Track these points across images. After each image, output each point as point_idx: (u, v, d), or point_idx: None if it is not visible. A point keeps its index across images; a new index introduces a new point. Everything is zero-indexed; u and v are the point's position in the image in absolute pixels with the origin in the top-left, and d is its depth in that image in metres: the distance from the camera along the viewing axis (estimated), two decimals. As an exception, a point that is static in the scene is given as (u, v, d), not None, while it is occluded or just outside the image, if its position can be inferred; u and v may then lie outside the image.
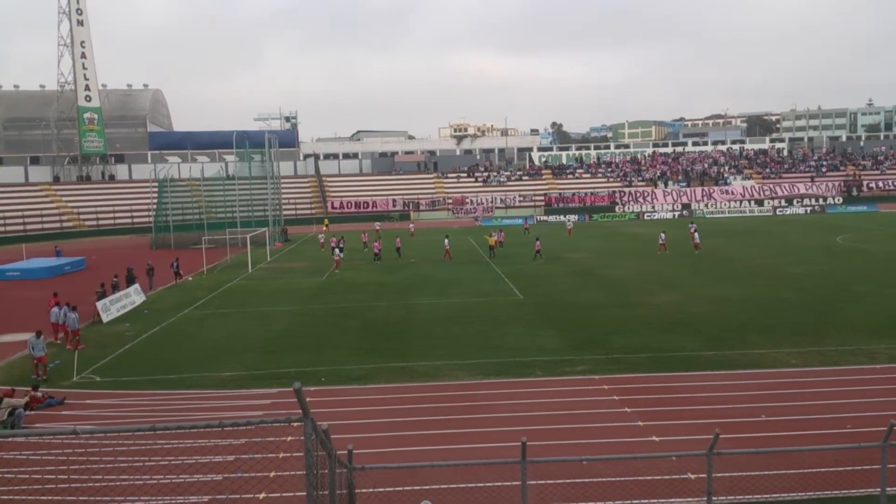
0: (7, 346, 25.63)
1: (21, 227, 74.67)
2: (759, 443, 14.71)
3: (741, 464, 13.47)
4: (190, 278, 42.63)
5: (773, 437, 15.30)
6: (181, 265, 43.06)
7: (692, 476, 13.10)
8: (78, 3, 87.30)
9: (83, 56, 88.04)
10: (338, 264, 45.19)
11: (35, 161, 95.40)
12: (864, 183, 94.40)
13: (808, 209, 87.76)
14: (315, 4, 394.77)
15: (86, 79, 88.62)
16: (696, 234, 49.62)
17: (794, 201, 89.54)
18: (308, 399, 5.46)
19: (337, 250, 46.91)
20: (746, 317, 27.58)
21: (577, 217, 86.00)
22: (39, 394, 19.12)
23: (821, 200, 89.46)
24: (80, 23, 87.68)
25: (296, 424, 5.44)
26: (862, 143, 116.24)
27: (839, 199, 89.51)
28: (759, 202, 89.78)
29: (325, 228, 74.82)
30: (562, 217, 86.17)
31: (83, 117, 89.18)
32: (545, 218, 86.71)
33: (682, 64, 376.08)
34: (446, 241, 49.61)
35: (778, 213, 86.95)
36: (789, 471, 13.18)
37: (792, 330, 25.12)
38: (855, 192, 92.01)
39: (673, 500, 12.46)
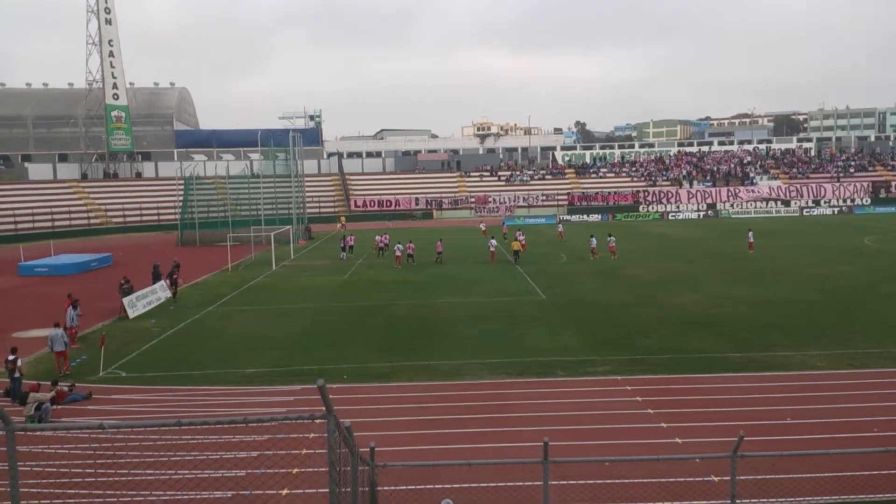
0: (34, 342, 25.99)
1: (49, 224, 75.69)
2: (783, 446, 14.58)
3: (766, 466, 13.34)
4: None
5: (798, 439, 15.15)
6: (181, 271, 38.68)
7: (716, 478, 13.00)
8: (106, 1, 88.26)
9: (111, 55, 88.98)
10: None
11: (63, 158, 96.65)
12: (893, 184, 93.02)
13: (836, 210, 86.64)
14: (331, 3, 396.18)
15: (113, 77, 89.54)
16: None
17: (822, 202, 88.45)
18: (331, 396, 5.50)
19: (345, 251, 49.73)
20: (771, 318, 27.31)
21: (599, 216, 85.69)
22: (66, 388, 19.40)
23: (848, 201, 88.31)
24: (108, 21, 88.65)
25: (319, 421, 5.48)
26: (891, 143, 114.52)
27: (867, 200, 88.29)
28: (786, 202, 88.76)
29: (339, 227, 74.83)
30: (586, 216, 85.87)
31: (111, 115, 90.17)
32: (568, 217, 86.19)
33: (707, 62, 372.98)
34: (492, 242, 49.25)
35: (805, 213, 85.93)
36: (814, 474, 13.04)
37: (817, 332, 24.84)
38: (883, 193, 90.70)
39: (696, 502, 12.38)
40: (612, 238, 48.37)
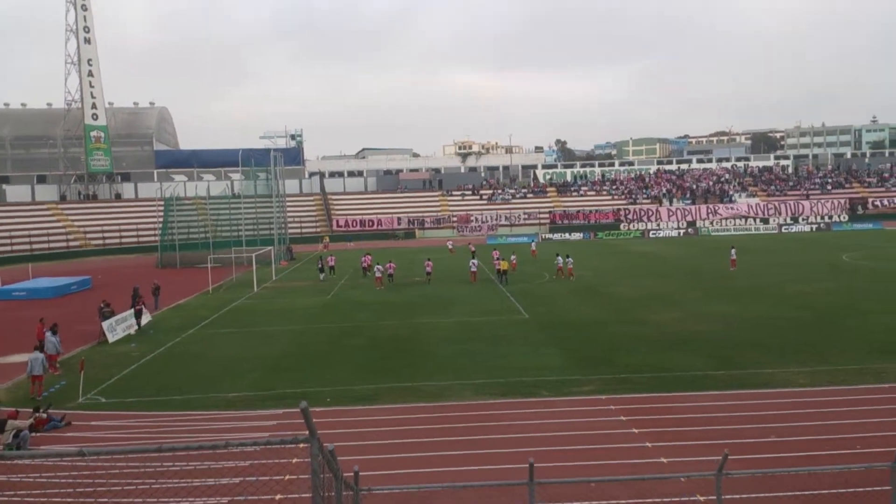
0: (11, 367, 25.60)
1: (27, 247, 74.89)
2: (768, 464, 14.63)
3: (751, 485, 13.36)
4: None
5: (782, 457, 15.20)
6: (161, 294, 40.18)
7: (701, 498, 13.00)
8: (85, 20, 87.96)
9: (90, 74, 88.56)
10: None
11: (41, 180, 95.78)
12: (870, 200, 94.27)
13: (814, 227, 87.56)
14: (313, 22, 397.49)
15: (93, 97, 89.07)
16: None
17: (800, 219, 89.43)
18: (314, 419, 5.44)
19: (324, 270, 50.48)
20: (752, 335, 27.47)
21: (581, 235, 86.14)
22: (44, 415, 19.11)
23: (826, 218, 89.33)
24: (88, 41, 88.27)
25: (302, 445, 5.41)
26: (867, 161, 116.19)
27: (845, 217, 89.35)
28: (765, 220, 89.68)
29: (322, 247, 74.60)
30: (567, 235, 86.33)
31: (90, 135, 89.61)
32: (550, 235, 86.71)
33: (684, 81, 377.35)
34: (474, 262, 47.57)
35: (783, 230, 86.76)
36: (799, 492, 13.07)
37: (798, 348, 25.01)
38: (860, 210, 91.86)
39: (682, 522, 12.35)
40: (570, 259, 47.81)
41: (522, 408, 19.45)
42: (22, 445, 16.96)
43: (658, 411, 18.81)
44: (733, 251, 50.30)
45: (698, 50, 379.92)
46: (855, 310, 32.13)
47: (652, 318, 31.59)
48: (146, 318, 34.57)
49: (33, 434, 17.72)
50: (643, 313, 32.97)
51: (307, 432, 5.37)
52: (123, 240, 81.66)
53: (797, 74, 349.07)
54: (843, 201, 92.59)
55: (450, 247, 70.06)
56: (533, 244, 67.24)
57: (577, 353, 25.54)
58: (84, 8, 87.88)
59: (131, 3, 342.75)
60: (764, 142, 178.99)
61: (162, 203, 71.64)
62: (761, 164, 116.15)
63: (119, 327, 31.44)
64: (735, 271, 47.40)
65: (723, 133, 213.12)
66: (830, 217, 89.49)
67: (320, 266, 52.07)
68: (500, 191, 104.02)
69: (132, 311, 34.24)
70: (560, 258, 47.92)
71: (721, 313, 32.23)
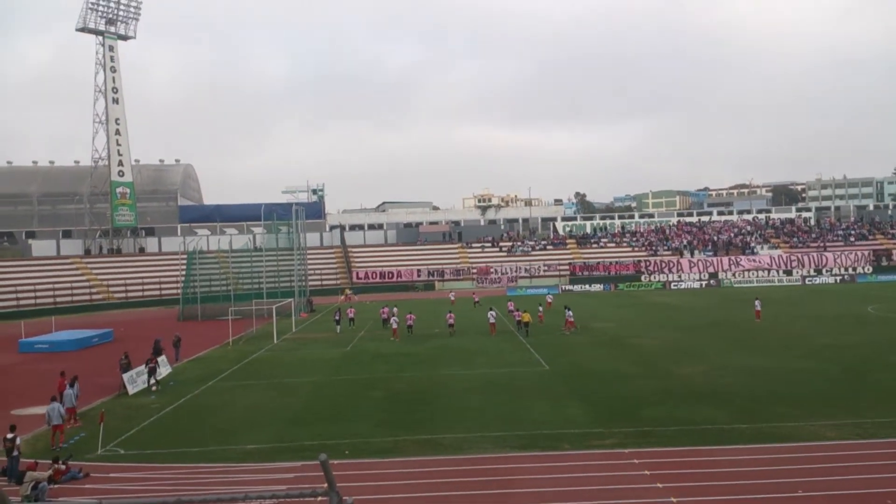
0: (31, 419, 25.66)
1: (52, 300, 75.75)
2: (797, 520, 14.22)
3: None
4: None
5: (811, 513, 14.78)
6: (182, 346, 40.35)
7: (728, 555, 12.63)
8: (114, 81, 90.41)
9: (117, 133, 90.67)
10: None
11: (67, 234, 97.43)
12: (894, 252, 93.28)
13: (838, 278, 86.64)
14: (332, 78, 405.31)
15: (119, 154, 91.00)
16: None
17: (824, 270, 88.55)
18: (333, 472, 5.39)
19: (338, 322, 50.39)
20: (777, 388, 26.99)
21: (602, 286, 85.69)
22: (63, 466, 19.07)
23: (850, 269, 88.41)
24: (116, 101, 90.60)
25: (321, 498, 5.35)
26: (890, 212, 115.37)
27: (869, 269, 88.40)
28: (788, 271, 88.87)
29: (343, 299, 74.87)
30: (588, 286, 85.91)
31: (116, 192, 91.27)
32: (570, 287, 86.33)
33: (703, 133, 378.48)
34: (492, 313, 47.40)
35: (807, 282, 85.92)
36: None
37: (825, 402, 24.52)
38: (884, 262, 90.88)
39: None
40: (570, 311, 46.52)
41: (544, 461, 19.14)
42: (40, 497, 16.90)
43: (683, 465, 18.42)
44: (758, 303, 49.76)
45: (716, 103, 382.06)
46: (883, 362, 31.54)
47: (676, 371, 31.18)
48: (166, 370, 34.64)
49: (52, 486, 17.68)
50: (667, 365, 32.57)
51: (326, 485, 5.32)
52: (146, 293, 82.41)
53: (816, 126, 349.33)
54: (866, 253, 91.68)
55: (452, 298, 70.78)
56: (549, 296, 66.94)
57: (600, 406, 25.19)
58: (113, 70, 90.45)
59: (156, 62, 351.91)
60: (785, 194, 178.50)
61: (185, 256, 72.42)
62: (783, 216, 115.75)
63: (140, 379, 31.50)
64: (760, 323, 46.85)
65: (743, 185, 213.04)
66: (854, 269, 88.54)
67: (337, 318, 51.73)
68: (519, 243, 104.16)
69: (161, 359, 34.40)
70: (570, 311, 46.90)
71: (747, 366, 31.74)
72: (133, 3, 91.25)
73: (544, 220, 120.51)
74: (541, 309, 49.51)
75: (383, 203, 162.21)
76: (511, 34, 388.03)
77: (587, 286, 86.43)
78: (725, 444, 20.09)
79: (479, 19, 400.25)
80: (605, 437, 21.13)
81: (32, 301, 75.12)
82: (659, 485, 16.95)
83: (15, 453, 19.21)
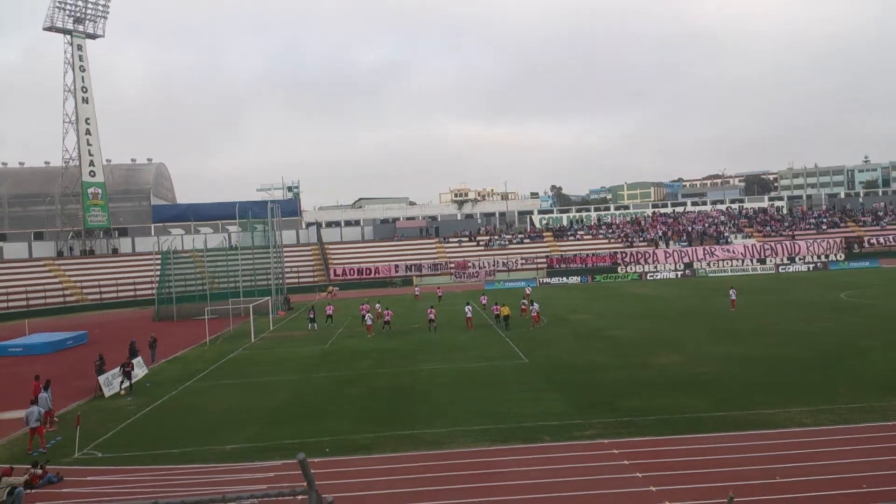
0: (6, 423, 25.33)
1: (24, 303, 74.72)
2: (774, 505, 14.38)
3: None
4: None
5: (788, 498, 14.97)
6: (159, 347, 39.59)
7: (708, 542, 12.74)
8: (83, 81, 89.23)
9: (88, 132, 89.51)
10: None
11: (39, 237, 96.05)
12: (865, 239, 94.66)
13: (811, 266, 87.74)
14: (306, 74, 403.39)
15: (90, 154, 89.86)
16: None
17: (797, 258, 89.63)
18: (312, 470, 5.35)
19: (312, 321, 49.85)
20: (753, 376, 27.28)
21: (579, 278, 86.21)
22: (39, 471, 18.82)
23: (823, 257, 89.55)
24: (86, 100, 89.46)
25: (300, 497, 5.31)
26: (861, 200, 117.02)
27: (841, 256, 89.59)
28: (762, 260, 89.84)
29: (325, 296, 74.83)
30: (565, 279, 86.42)
31: (87, 192, 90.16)
32: (548, 280, 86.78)
33: (676, 125, 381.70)
34: (468, 308, 47.53)
35: (780, 270, 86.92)
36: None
37: (801, 388, 24.82)
38: (856, 249, 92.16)
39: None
40: (536, 306, 46.44)
41: (524, 454, 19.18)
42: (17, 502, 16.67)
43: (661, 454, 18.55)
44: (733, 292, 50.28)
45: (688, 95, 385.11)
46: (856, 348, 31.98)
47: (653, 361, 31.39)
48: (142, 371, 34.30)
49: (28, 491, 17.44)
50: (644, 356, 32.78)
51: (305, 484, 5.28)
52: (120, 294, 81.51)
53: (787, 116, 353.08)
54: (838, 240, 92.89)
55: (417, 293, 72.12)
56: (528, 288, 67.22)
57: (579, 398, 25.31)
58: (82, 69, 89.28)
59: (127, 61, 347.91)
60: (757, 184, 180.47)
61: (159, 256, 71.71)
62: (756, 205, 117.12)
63: (115, 381, 31.15)
64: (735, 312, 47.31)
65: (716, 176, 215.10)
66: (827, 256, 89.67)
67: (311, 316, 50.91)
68: (496, 237, 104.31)
69: (137, 360, 34.00)
70: (535, 305, 46.84)
71: (723, 354, 32.05)
72: (101, 2, 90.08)
73: (521, 213, 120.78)
74: (524, 302, 49.65)
75: (360, 199, 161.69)
76: (486, 29, 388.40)
77: (564, 278, 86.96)
78: (704, 432, 20.26)
79: (454, 15, 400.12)
80: (584, 429, 21.23)
81: (5, 304, 74.06)
82: (638, 474, 17.06)
83: (-11, 459, 18.92)
